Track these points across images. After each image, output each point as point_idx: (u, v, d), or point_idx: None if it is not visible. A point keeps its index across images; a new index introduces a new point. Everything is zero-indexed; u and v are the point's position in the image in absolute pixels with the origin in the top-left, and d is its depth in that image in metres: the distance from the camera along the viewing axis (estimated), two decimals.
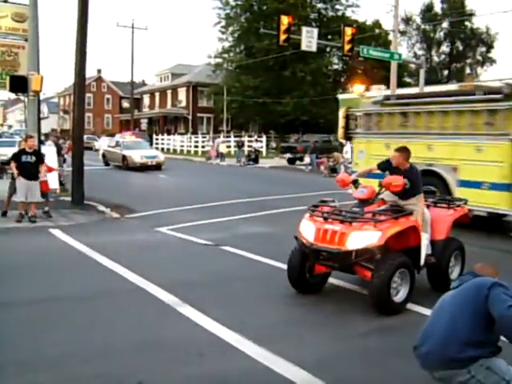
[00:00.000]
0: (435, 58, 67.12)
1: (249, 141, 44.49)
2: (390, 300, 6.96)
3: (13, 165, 13.18)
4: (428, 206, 8.31)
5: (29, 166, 13.09)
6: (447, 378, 4.08)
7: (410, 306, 7.26)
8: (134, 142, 34.05)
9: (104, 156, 34.82)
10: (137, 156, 30.85)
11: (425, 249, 7.70)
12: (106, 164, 33.91)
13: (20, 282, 8.32)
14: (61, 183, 18.76)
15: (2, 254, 10.22)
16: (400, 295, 7.13)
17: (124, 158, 31.32)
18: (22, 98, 18.70)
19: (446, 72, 67.18)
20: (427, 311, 7.06)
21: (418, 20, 65.26)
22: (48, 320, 6.65)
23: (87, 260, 9.83)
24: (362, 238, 6.97)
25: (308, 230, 7.45)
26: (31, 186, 13.01)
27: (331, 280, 8.23)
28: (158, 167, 30.95)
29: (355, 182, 8.04)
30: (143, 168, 30.17)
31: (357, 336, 6.33)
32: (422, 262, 7.69)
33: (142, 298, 7.60)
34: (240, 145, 39.06)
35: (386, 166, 8.21)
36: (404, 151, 7.91)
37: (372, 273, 7.10)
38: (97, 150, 43.52)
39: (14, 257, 10.06)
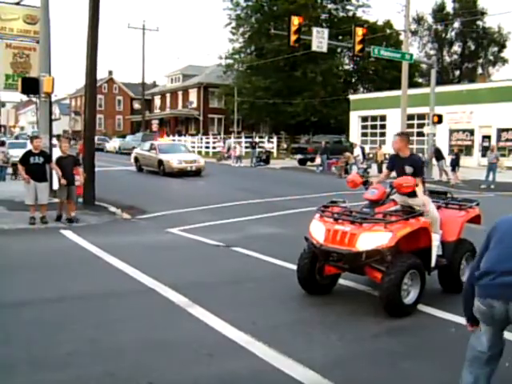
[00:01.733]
0: (447, 58, 66.87)
1: (260, 141, 44.48)
2: (400, 302, 6.90)
3: (21, 168, 13.10)
4: (439, 207, 8.24)
5: (37, 167, 12.99)
6: None
7: (420, 307, 7.22)
8: (171, 146, 31.40)
9: (137, 160, 31.34)
10: (175, 161, 27.71)
11: (436, 250, 7.64)
12: (139, 169, 30.71)
13: (31, 283, 8.36)
14: None
15: (14, 255, 10.28)
16: (410, 297, 7.08)
17: (160, 162, 28.21)
18: (33, 99, 18.81)
19: (457, 72, 66.92)
20: (438, 313, 7.07)
21: (430, 20, 65.17)
22: (59, 320, 6.68)
23: (98, 261, 9.86)
24: (373, 239, 6.92)
25: (318, 231, 7.42)
26: (41, 187, 13.00)
27: (341, 281, 8.21)
28: (197, 173, 27.86)
29: (366, 183, 8.02)
30: (181, 174, 27.26)
31: (367, 337, 6.31)
32: (433, 263, 7.63)
33: (152, 299, 7.62)
34: (254, 145, 39.01)
35: (391, 163, 8.32)
36: (404, 136, 8.23)
37: (382, 274, 7.05)
38: (108, 152, 43.53)
39: (26, 258, 10.11)
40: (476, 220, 8.57)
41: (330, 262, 7.47)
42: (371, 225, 7.05)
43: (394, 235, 6.88)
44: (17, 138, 45.96)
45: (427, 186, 8.46)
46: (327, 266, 7.66)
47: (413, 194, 7.71)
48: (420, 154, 32.95)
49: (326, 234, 7.26)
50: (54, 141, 28.11)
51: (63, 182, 13.20)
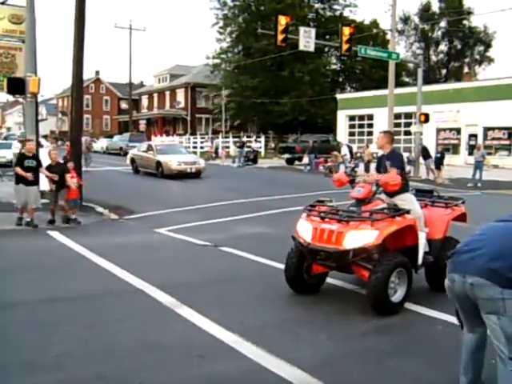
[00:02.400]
0: (433, 57, 67.16)
1: (247, 141, 44.43)
2: (387, 300, 6.94)
3: (20, 170, 12.78)
4: (426, 206, 8.31)
5: (30, 170, 12.87)
6: (477, 288, 4.27)
7: (407, 305, 7.26)
8: (169, 146, 29.75)
9: (133, 162, 30.16)
10: (174, 162, 26.62)
11: (422, 248, 7.68)
12: (136, 171, 29.59)
13: (18, 284, 8.31)
14: None
15: (1, 256, 10.22)
16: (398, 295, 7.11)
17: (159, 164, 27.15)
18: (20, 100, 18.67)
19: (444, 71, 67.25)
20: (425, 310, 7.11)
21: (416, 19, 65.34)
22: (48, 321, 6.65)
23: (85, 261, 9.82)
24: (359, 237, 6.94)
25: (305, 230, 7.44)
26: (32, 191, 12.91)
27: (329, 280, 8.23)
28: (197, 175, 26.93)
29: (352, 182, 8.05)
30: (181, 176, 26.27)
31: (355, 336, 6.33)
32: (420, 261, 7.67)
33: (140, 300, 7.60)
34: (241, 145, 38.91)
35: (378, 164, 8.35)
36: (387, 133, 8.40)
37: (369, 273, 7.07)
38: (95, 152, 43.20)
39: (12, 258, 10.06)
40: (462, 218, 8.59)
41: (317, 261, 7.49)
42: (358, 223, 7.07)
43: (380, 233, 6.91)
44: (6, 138, 45.61)
45: (414, 185, 8.48)
46: (315, 265, 7.67)
47: (395, 193, 7.73)
48: (407, 153, 33.24)
49: (313, 232, 7.28)
50: (43, 141, 28.04)
51: (52, 187, 13.32)
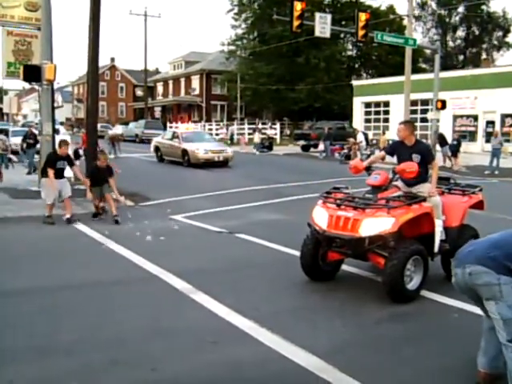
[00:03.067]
0: (451, 43, 66.53)
1: (263, 128, 44.34)
2: (403, 288, 6.91)
3: (51, 172, 12.08)
4: (442, 193, 8.22)
5: (61, 171, 12.51)
6: (475, 275, 4.47)
7: (424, 293, 7.23)
8: (195, 134, 29.00)
9: (157, 150, 29.23)
10: (201, 150, 25.68)
11: (439, 236, 7.61)
12: (161, 159, 28.70)
13: (35, 270, 8.38)
14: None
15: (19, 242, 10.31)
16: (413, 282, 7.08)
17: (185, 152, 26.14)
18: (36, 87, 18.76)
19: (461, 57, 66.57)
20: (442, 298, 7.08)
21: (434, 5, 64.61)
22: (63, 307, 6.70)
23: (101, 248, 9.89)
24: (375, 224, 6.89)
25: (321, 217, 7.40)
26: (63, 182, 12.51)
27: (345, 267, 8.21)
28: (224, 163, 26.05)
29: (368, 169, 7.97)
30: (208, 165, 25.30)
31: (370, 323, 6.32)
32: (436, 249, 7.61)
33: (156, 286, 7.64)
34: (258, 132, 38.65)
35: (392, 148, 8.33)
36: (409, 124, 8.15)
37: (385, 260, 7.04)
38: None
39: (29, 245, 10.14)
40: (479, 206, 8.52)
41: (332, 248, 7.47)
42: (374, 210, 7.02)
43: (396, 220, 6.85)
44: (24, 125, 45.69)
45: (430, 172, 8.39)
46: (330, 252, 7.64)
47: (416, 183, 7.65)
48: (423, 140, 33.01)
49: (329, 219, 7.22)
50: (60, 127, 28.10)
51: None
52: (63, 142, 12.74)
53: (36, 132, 25.48)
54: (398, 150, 8.06)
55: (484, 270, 4.40)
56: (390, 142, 35.74)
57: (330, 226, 7.21)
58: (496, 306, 4.38)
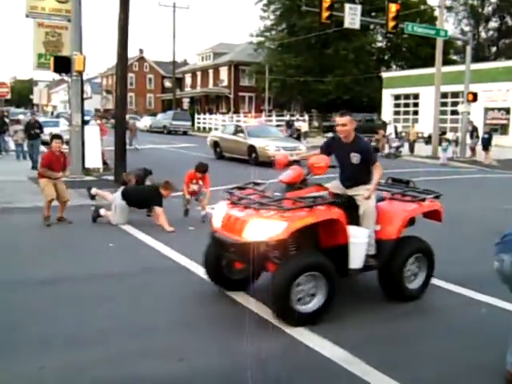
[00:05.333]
0: (483, 34, 65.47)
1: (291, 120, 44.15)
2: (290, 310, 5.72)
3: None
4: (387, 198, 7.00)
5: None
6: None
7: (452, 287, 7.16)
8: (262, 129, 26.46)
9: (216, 145, 26.32)
10: (272, 147, 22.55)
11: (361, 249, 6.26)
12: (220, 156, 25.72)
13: (63, 259, 8.47)
14: (104, 162, 19.01)
15: (43, 232, 10.43)
16: (312, 304, 5.89)
17: (251, 149, 23.32)
18: (65, 78, 18.94)
19: (494, 49, 65.47)
20: (469, 292, 6.99)
21: None
22: (92, 296, 6.76)
23: (128, 238, 9.97)
24: (263, 228, 5.73)
25: (218, 216, 6.48)
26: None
27: None
28: (296, 161, 23.11)
29: (291, 164, 6.76)
30: None
31: (398, 317, 6.28)
32: (354, 265, 6.25)
33: (183, 276, 7.68)
34: (290, 124, 38.46)
35: (328, 146, 6.91)
36: (350, 115, 6.61)
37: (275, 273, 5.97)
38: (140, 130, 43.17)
39: (58, 235, 10.26)
40: (435, 216, 7.22)
41: (227, 253, 6.41)
42: (266, 211, 5.86)
43: (288, 225, 5.65)
44: (58, 116, 46.00)
45: (434, 170, 8.07)
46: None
47: (352, 185, 6.61)
48: (451, 133, 32.58)
49: (223, 219, 6.31)
50: (91, 119, 28.28)
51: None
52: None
53: (41, 120, 25.50)
54: (333, 148, 6.83)
55: None
56: (420, 134, 35.53)
57: (221, 226, 6.31)
58: None
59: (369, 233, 6.32)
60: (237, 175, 18.96)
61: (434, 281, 7.15)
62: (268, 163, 21.24)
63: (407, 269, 6.68)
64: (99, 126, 21.28)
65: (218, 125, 52.37)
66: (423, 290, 6.86)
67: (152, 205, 11.17)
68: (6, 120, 26.50)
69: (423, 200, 7.00)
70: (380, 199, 6.86)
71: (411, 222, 7.03)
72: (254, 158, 23.05)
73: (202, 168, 11.98)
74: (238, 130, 25.32)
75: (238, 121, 48.69)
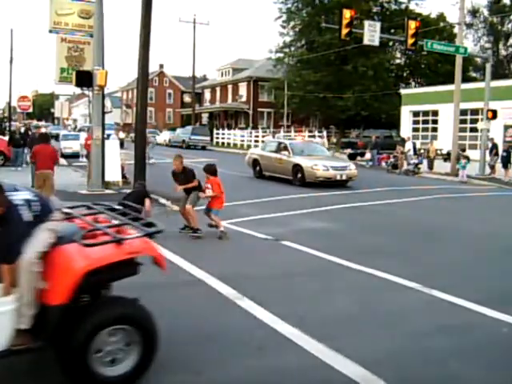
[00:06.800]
0: (503, 52, 65.09)
1: (309, 136, 44.21)
2: None
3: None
4: (94, 236, 4.91)
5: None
6: None
7: (472, 306, 7.08)
8: (308, 146, 24.87)
9: (256, 163, 24.29)
10: (320, 166, 20.75)
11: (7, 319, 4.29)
12: (260, 175, 23.84)
13: None
14: (123, 176, 19.14)
15: None
16: None
17: (297, 168, 21.29)
18: (86, 92, 19.22)
19: None
20: (490, 312, 6.91)
21: (486, 12, 63.43)
22: None
23: None
24: None
25: None
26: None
27: (386, 276, 8.09)
28: (345, 182, 21.24)
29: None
30: (327, 184, 20.49)
31: (416, 334, 6.22)
32: None
33: (201, 290, 7.68)
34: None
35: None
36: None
37: None
38: (158, 145, 43.43)
39: None
40: (156, 260, 5.58)
41: None
42: None
43: None
44: (80, 130, 46.35)
45: (420, 188, 8.13)
46: None
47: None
48: (470, 151, 32.38)
49: None
50: (111, 133, 28.60)
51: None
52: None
53: (62, 133, 26.28)
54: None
55: None
56: (439, 151, 35.32)
57: None
58: None
59: (11, 298, 4.35)
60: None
61: (452, 298, 7.09)
62: (314, 183, 20.66)
63: (103, 347, 4.64)
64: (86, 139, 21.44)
65: (237, 140, 52.71)
66: (138, 377, 4.84)
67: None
68: (29, 133, 26.85)
69: (119, 241, 4.89)
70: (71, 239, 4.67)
71: (109, 276, 5.10)
72: (299, 178, 21.24)
73: (207, 168, 12.31)
74: (281, 148, 23.23)
75: (257, 136, 48.82)
